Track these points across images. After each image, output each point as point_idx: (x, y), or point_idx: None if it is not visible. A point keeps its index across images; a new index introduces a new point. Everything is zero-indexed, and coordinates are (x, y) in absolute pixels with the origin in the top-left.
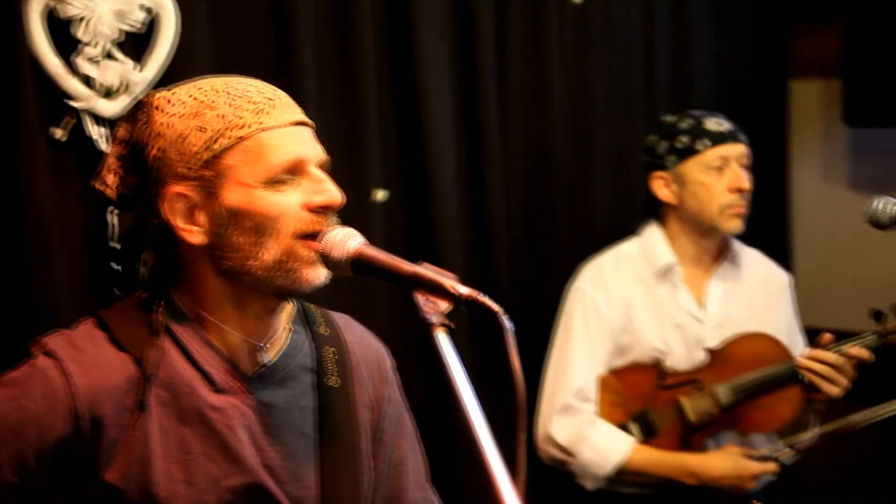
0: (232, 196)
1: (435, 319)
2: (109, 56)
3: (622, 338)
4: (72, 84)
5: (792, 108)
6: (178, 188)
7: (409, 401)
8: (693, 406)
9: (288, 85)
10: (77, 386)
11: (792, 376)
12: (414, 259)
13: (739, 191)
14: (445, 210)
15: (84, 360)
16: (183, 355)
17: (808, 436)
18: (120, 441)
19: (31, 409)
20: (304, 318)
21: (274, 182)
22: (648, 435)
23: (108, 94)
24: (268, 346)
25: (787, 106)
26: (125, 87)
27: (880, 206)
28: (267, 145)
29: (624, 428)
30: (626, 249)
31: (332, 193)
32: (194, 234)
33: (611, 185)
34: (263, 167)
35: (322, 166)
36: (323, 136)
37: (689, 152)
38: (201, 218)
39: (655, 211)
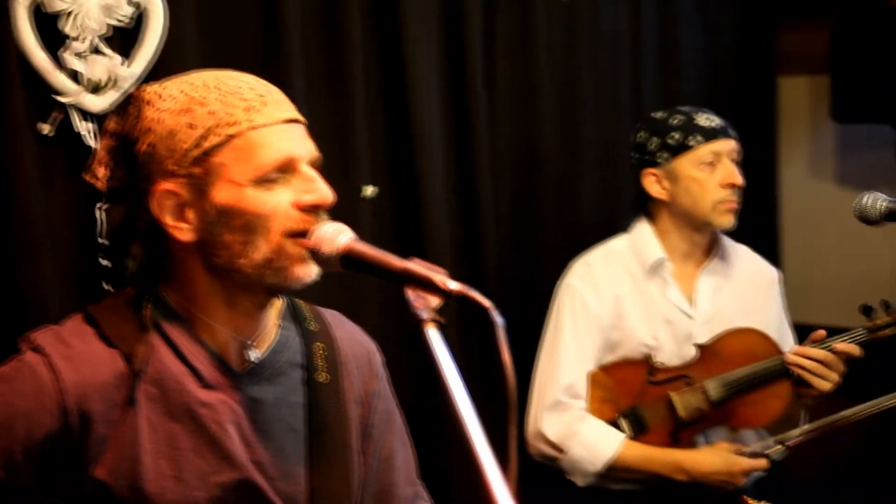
0: (221, 194)
1: (425, 315)
2: (97, 51)
3: (612, 334)
4: (59, 79)
5: (780, 104)
6: (168, 185)
7: (399, 397)
8: (683, 402)
9: (276, 81)
10: (65, 381)
11: (781, 372)
12: (403, 255)
13: (732, 186)
14: (434, 206)
15: (72, 356)
16: (172, 351)
17: (798, 432)
18: (109, 437)
19: (18, 404)
20: (293, 315)
21: (264, 181)
22: (638, 431)
23: (96, 89)
24: (257, 342)
25: (775, 102)
26: (113, 82)
27: (869, 201)
28: (257, 144)
29: (614, 424)
30: (616, 246)
31: (323, 193)
32: (183, 232)
33: (598, 181)
34: (253, 166)
35: (314, 164)
36: (311, 132)
37: (681, 148)
38: (191, 215)
39: (645, 207)
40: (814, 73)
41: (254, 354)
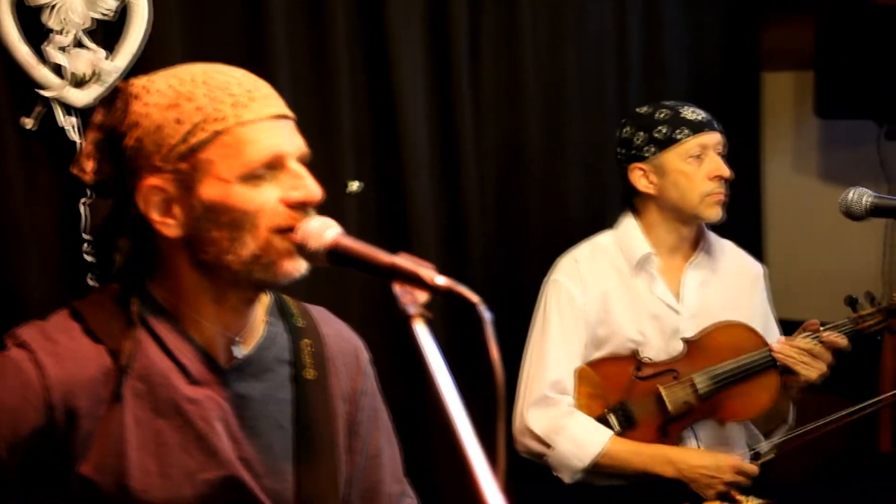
0: (208, 190)
1: (413, 310)
2: (80, 45)
3: (599, 330)
4: (42, 73)
5: (764, 100)
6: (154, 180)
7: (385, 394)
8: (671, 396)
9: (261, 76)
10: (51, 378)
11: (768, 363)
12: (388, 250)
13: (720, 178)
14: (419, 202)
15: (58, 352)
16: (159, 347)
17: (788, 436)
18: (94, 433)
19: (3, 400)
20: (280, 311)
21: (251, 177)
22: (627, 426)
23: (79, 83)
24: (244, 338)
25: (759, 98)
26: (96, 76)
27: (854, 196)
28: (244, 140)
29: (603, 419)
30: (602, 241)
31: (311, 189)
32: (170, 228)
33: (583, 178)
34: (241, 162)
35: (302, 159)
36: (297, 128)
37: (669, 142)
38: (177, 211)
39: (631, 203)
40: (798, 69)
41: (241, 351)
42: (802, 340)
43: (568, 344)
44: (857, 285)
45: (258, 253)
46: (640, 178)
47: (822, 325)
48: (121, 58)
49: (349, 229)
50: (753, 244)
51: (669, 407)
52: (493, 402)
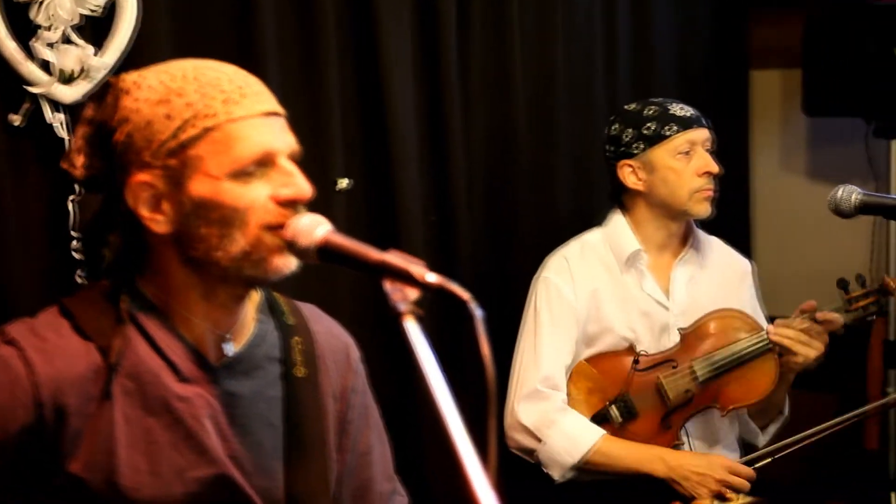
0: (198, 187)
1: (404, 307)
2: (68, 41)
3: (589, 327)
4: (29, 69)
5: (752, 97)
6: (144, 176)
7: (376, 392)
8: (671, 385)
9: (249, 72)
10: (39, 375)
11: (766, 347)
12: (377, 247)
13: (709, 174)
14: (408, 197)
15: (47, 349)
16: (148, 344)
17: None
18: (84, 431)
19: None
20: (270, 309)
21: (241, 174)
22: (629, 417)
23: (67, 79)
24: (235, 336)
25: (747, 95)
26: (84, 72)
27: (843, 194)
28: (235, 137)
29: (604, 413)
30: (591, 239)
31: (301, 187)
32: (159, 224)
33: (572, 172)
34: (231, 159)
35: (293, 157)
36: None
37: (658, 138)
38: (167, 207)
39: (619, 200)
40: (786, 66)
41: (231, 348)
42: (798, 321)
43: (559, 340)
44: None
45: (248, 250)
46: (630, 174)
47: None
48: (109, 54)
49: (338, 225)
50: (741, 241)
51: (670, 395)
52: (483, 399)
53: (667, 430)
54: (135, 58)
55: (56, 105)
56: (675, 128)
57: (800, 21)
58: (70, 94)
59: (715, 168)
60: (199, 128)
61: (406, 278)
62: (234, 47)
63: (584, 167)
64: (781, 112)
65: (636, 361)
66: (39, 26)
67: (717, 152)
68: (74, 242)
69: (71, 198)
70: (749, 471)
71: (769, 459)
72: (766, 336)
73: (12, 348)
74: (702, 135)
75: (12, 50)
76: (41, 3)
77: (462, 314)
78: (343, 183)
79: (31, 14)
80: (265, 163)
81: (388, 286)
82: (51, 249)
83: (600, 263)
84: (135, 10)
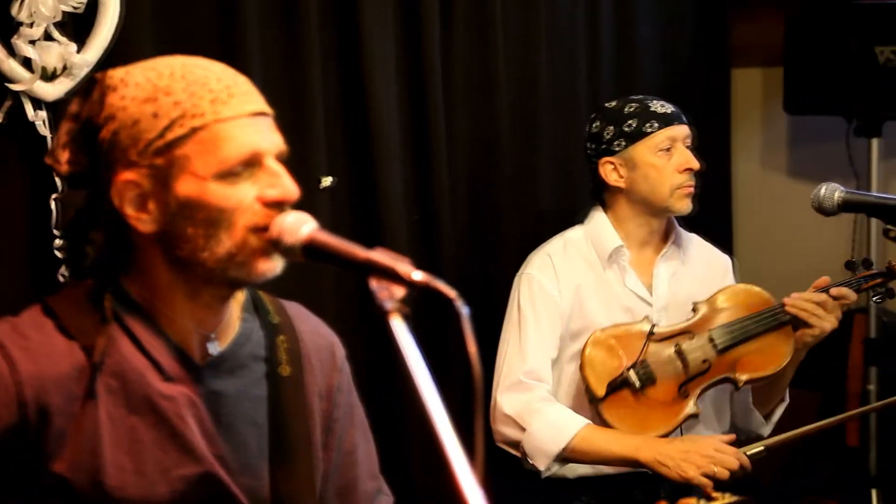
0: (184, 187)
1: (390, 305)
2: (50, 37)
3: (573, 323)
4: (11, 66)
5: (734, 95)
6: (129, 175)
7: (361, 391)
8: (690, 352)
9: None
10: (22, 374)
11: (782, 318)
12: (361, 244)
13: (689, 170)
14: (392, 197)
15: (30, 348)
16: (132, 343)
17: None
18: (68, 431)
19: None
20: (255, 307)
21: (228, 174)
22: (648, 383)
23: (49, 76)
24: (219, 335)
25: (729, 93)
26: (67, 69)
27: (826, 192)
28: (222, 137)
29: (622, 378)
30: (573, 236)
31: (288, 188)
32: (145, 223)
33: (555, 173)
34: (218, 159)
35: (280, 157)
36: None
37: (639, 135)
38: (152, 207)
39: (601, 197)
40: (767, 65)
41: (216, 347)
42: (813, 294)
43: (542, 335)
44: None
45: (233, 251)
46: (611, 171)
47: None
48: (91, 51)
49: (321, 225)
50: (722, 238)
51: (689, 362)
52: (468, 396)
53: (684, 399)
54: (117, 55)
55: (38, 103)
56: (655, 124)
57: (781, 19)
58: (52, 91)
59: (696, 164)
60: (187, 127)
61: (392, 276)
62: (217, 45)
63: (567, 169)
64: (762, 110)
65: (652, 333)
66: (21, 23)
67: (699, 150)
68: (57, 241)
69: (53, 196)
70: (734, 449)
71: (762, 448)
72: (782, 307)
73: None
74: (682, 131)
75: None
76: (23, 0)
77: (448, 312)
78: (327, 181)
79: (13, 11)
80: (252, 163)
81: (374, 284)
82: (33, 248)
83: (583, 260)
84: (117, 6)
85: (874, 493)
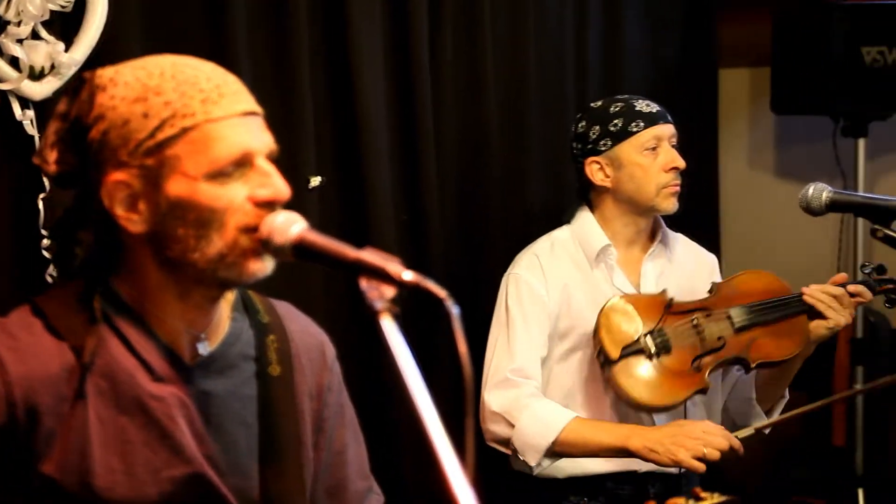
0: (175, 187)
1: (380, 305)
2: (37, 36)
3: (561, 323)
4: None
5: (721, 95)
6: (120, 175)
7: (351, 390)
8: (707, 326)
9: None
10: (11, 374)
11: (799, 306)
12: (349, 244)
13: (675, 169)
14: (380, 196)
15: (19, 348)
16: (122, 344)
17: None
18: (57, 431)
19: None
20: (245, 307)
21: (219, 174)
22: (664, 351)
23: (37, 76)
24: (209, 335)
25: (716, 94)
26: (54, 68)
27: (814, 192)
28: (213, 137)
29: (637, 343)
30: (560, 236)
31: (279, 188)
32: (135, 224)
33: (543, 174)
34: (209, 159)
35: (270, 156)
36: None
37: (624, 135)
38: (143, 207)
39: (587, 197)
40: (755, 65)
41: (206, 347)
42: (831, 287)
43: (531, 334)
44: (810, 280)
45: (224, 252)
46: (597, 171)
47: None
48: (79, 50)
49: (310, 223)
50: (709, 238)
51: (706, 337)
52: (459, 395)
53: (696, 372)
54: (104, 54)
55: (25, 102)
56: (641, 124)
57: (768, 20)
58: (39, 90)
59: (682, 163)
60: (178, 127)
61: (382, 276)
62: (205, 43)
63: (556, 169)
64: (750, 110)
65: (669, 305)
66: (8, 22)
67: (686, 150)
68: (45, 241)
69: (41, 196)
70: (723, 429)
71: (752, 430)
72: (801, 296)
73: None
74: (668, 130)
75: None
76: None
77: (438, 312)
78: (315, 181)
79: (0, 10)
80: (243, 163)
81: (364, 284)
82: (20, 248)
83: (570, 260)
84: (105, 5)
85: (860, 492)
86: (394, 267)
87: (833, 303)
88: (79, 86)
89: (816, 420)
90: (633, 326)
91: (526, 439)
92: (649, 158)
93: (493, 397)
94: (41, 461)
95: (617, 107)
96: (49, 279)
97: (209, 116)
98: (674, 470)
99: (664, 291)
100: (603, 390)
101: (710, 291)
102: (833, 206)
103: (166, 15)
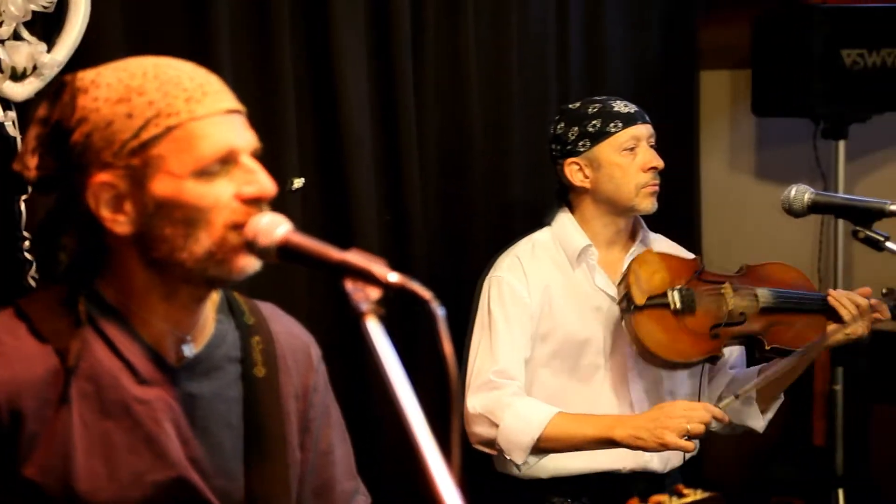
0: (160, 186)
1: (365, 307)
2: (18, 37)
3: (542, 325)
4: None
5: (701, 97)
6: (104, 177)
7: (336, 391)
8: (734, 298)
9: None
10: None
11: (823, 304)
12: (332, 245)
13: (653, 169)
14: (363, 198)
15: (3, 352)
16: (107, 347)
17: (749, 386)
18: (40, 435)
19: None
20: (229, 308)
21: (204, 173)
22: (687, 309)
23: (18, 76)
24: (195, 336)
25: (696, 96)
26: (35, 69)
27: (795, 193)
28: (197, 135)
29: (663, 295)
30: (541, 238)
31: (265, 184)
32: (121, 225)
33: (526, 173)
34: (194, 157)
35: (254, 154)
36: None
37: (602, 135)
38: (128, 208)
39: (566, 198)
40: (735, 67)
41: (191, 349)
42: (855, 295)
43: (513, 336)
44: None
45: (213, 250)
46: (576, 172)
47: None
48: (60, 51)
49: (293, 225)
50: (690, 239)
51: (730, 307)
52: (444, 397)
53: (713, 339)
54: (86, 55)
55: (7, 103)
56: (619, 124)
57: (749, 22)
58: (21, 91)
59: (660, 163)
60: (162, 126)
61: (367, 278)
62: (187, 46)
63: (539, 170)
64: (730, 112)
65: (700, 272)
66: None
67: (667, 152)
68: (26, 243)
69: (23, 198)
70: (703, 403)
71: (732, 397)
72: (825, 297)
73: None
74: (645, 130)
75: None
76: None
77: (423, 313)
78: (298, 183)
79: None
80: (228, 161)
81: (349, 286)
82: (1, 251)
83: (551, 261)
84: (87, 6)
85: (840, 492)
86: (379, 268)
87: (855, 311)
88: (59, 89)
89: (797, 420)
90: (661, 281)
91: (511, 437)
92: (628, 158)
93: (476, 399)
94: (24, 465)
95: (594, 108)
96: (31, 281)
97: (193, 115)
98: (658, 468)
99: (697, 258)
100: (588, 394)
101: (739, 270)
102: (815, 207)
103: (148, 16)
